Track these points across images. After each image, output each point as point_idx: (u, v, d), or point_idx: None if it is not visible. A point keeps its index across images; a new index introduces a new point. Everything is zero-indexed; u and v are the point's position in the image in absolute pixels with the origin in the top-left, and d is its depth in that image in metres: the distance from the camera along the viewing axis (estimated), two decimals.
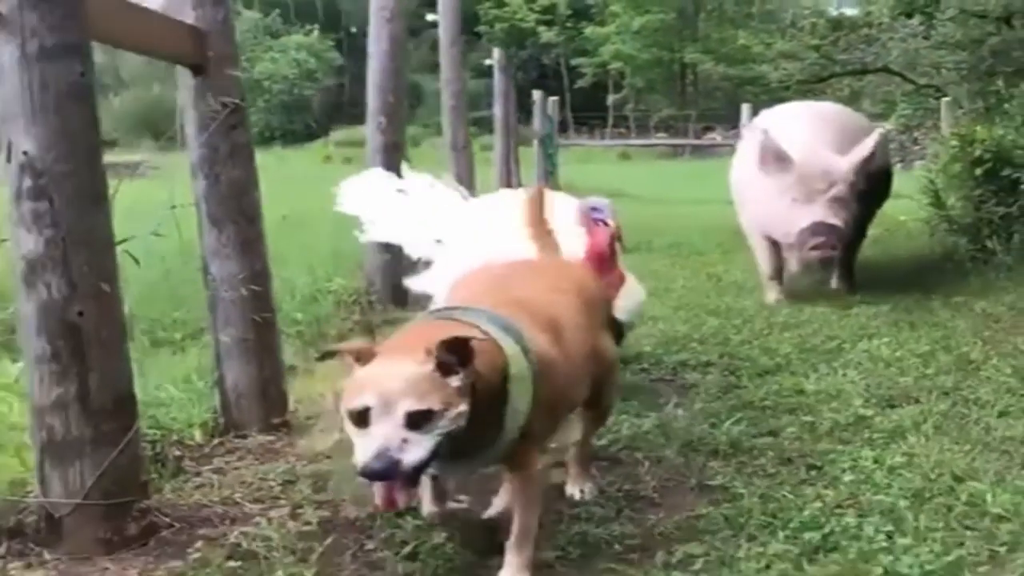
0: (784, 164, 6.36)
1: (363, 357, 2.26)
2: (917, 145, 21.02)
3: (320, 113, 44.60)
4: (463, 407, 2.23)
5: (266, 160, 23.95)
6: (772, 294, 6.85)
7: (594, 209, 4.19)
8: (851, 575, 2.57)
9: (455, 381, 2.23)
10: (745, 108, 19.24)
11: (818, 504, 3.01)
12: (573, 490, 3.11)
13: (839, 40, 32.51)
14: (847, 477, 3.26)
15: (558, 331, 2.64)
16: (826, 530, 2.81)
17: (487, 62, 10.48)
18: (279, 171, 20.37)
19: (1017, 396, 4.22)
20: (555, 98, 18.69)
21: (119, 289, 2.73)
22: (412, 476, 2.19)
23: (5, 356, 3.89)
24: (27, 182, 2.59)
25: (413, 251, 4.59)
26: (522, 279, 2.91)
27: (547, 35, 46.86)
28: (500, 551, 2.54)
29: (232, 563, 2.62)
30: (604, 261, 4.09)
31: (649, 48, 41.07)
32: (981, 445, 3.60)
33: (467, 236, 4.36)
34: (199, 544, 2.73)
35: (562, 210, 4.07)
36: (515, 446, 2.46)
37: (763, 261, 6.97)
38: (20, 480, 2.95)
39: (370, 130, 6.31)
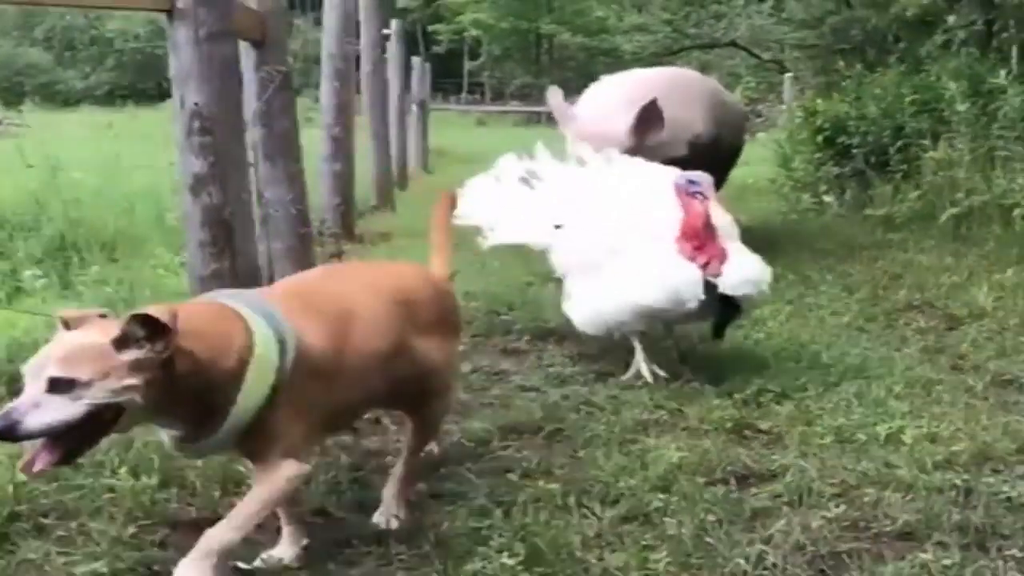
0: (569, 123, 6.51)
1: (71, 324, 2.27)
2: (760, 117, 22.98)
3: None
4: (132, 381, 2.18)
5: (121, 119, 24.35)
6: None
7: (691, 183, 4.28)
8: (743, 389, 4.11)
9: (129, 355, 2.19)
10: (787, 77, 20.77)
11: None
12: (379, 519, 2.91)
13: (690, 15, 34.50)
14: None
15: (347, 326, 2.60)
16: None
17: (384, 31, 11.69)
18: (132, 128, 21.18)
19: (843, 301, 5.87)
20: (427, 64, 20.01)
21: (251, 197, 4.07)
22: (39, 438, 2.17)
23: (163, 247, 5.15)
24: (195, 124, 3.89)
25: (536, 243, 4.90)
26: (337, 275, 3.04)
27: (403, 1, 47.98)
28: None
29: None
30: (699, 236, 4.22)
31: (506, 17, 42.53)
32: (819, 327, 5.20)
33: (593, 213, 4.66)
34: None
35: (660, 181, 4.49)
36: (254, 438, 2.41)
37: None
38: None
39: (325, 92, 7.66)
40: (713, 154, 6.97)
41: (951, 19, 9.32)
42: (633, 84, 7.06)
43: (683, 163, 6.12)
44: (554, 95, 6.75)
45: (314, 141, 7.48)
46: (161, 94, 42.34)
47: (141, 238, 6.25)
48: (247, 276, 4.00)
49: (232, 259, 3.95)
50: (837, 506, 3.07)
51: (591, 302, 4.47)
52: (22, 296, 4.70)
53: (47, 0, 3.85)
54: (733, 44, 33.02)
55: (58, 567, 2.61)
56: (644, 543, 2.81)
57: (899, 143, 8.81)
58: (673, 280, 4.23)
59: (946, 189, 7.86)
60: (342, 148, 7.94)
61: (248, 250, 4.04)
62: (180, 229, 4.37)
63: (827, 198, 9.26)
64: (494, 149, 18.00)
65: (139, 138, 16.72)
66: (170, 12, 3.85)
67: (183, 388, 2.26)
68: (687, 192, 4.25)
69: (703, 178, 4.29)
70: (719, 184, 6.98)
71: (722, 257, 4.24)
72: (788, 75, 21.74)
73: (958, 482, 3.25)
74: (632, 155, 6.03)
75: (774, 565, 2.71)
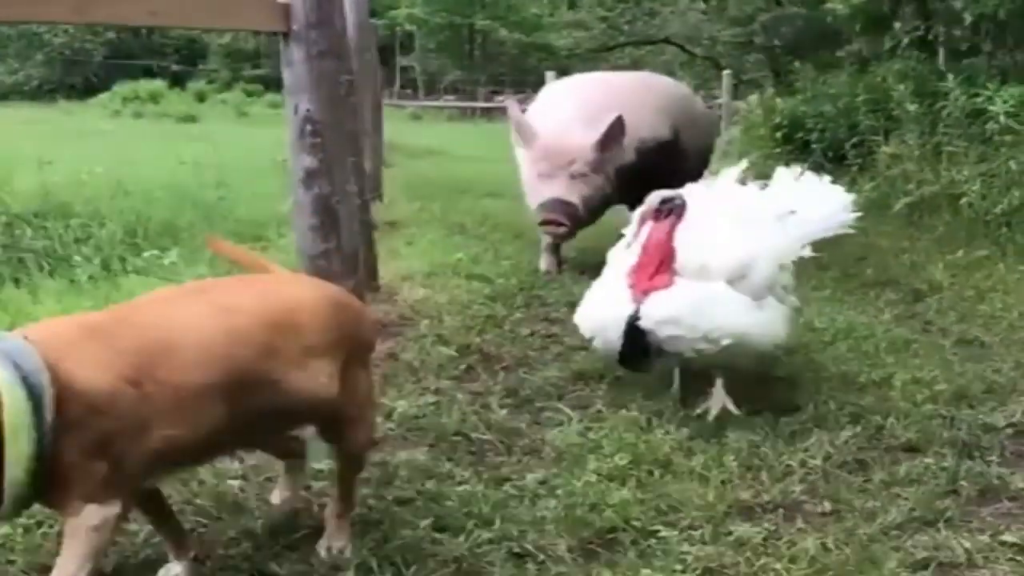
0: (530, 139, 6.64)
1: None
2: None
3: (100, 67, 44.84)
4: None
5: (51, 115, 24.52)
6: (543, 263, 7.05)
7: (665, 201, 4.14)
8: None
9: None
10: (550, 75, 21.51)
11: None
12: (321, 546, 2.85)
13: (624, 12, 35.55)
14: None
15: (154, 359, 2.37)
16: None
17: None
18: (71, 125, 21.60)
19: (819, 278, 6.84)
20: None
21: (355, 189, 4.91)
22: None
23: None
24: (307, 127, 4.72)
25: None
26: (182, 298, 2.68)
27: None
28: None
29: None
30: (647, 261, 4.06)
31: (440, 12, 43.26)
32: (805, 300, 6.15)
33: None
34: None
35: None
36: (49, 491, 2.27)
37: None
38: None
39: None
40: (671, 157, 7.09)
41: (897, 25, 10.35)
42: (585, 93, 7.17)
43: (634, 168, 6.71)
44: (514, 109, 6.84)
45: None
46: (89, 89, 42.65)
47: (187, 227, 7.00)
48: (349, 255, 4.84)
49: (338, 241, 4.79)
50: (852, 428, 4.00)
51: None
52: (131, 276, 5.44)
53: (165, 22, 4.50)
54: (667, 41, 34.25)
55: None
56: (714, 453, 3.72)
57: (854, 139, 9.83)
58: (599, 314, 4.18)
59: (899, 180, 8.86)
60: None
61: (350, 233, 4.88)
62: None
63: None
64: (440, 144, 18.71)
65: (94, 136, 17.35)
66: (286, 34, 4.68)
67: None
68: (657, 214, 4.11)
69: (673, 198, 4.14)
70: (694, 179, 6.96)
71: (655, 285, 4.00)
72: (726, 72, 22.80)
73: (943, 412, 4.23)
74: (594, 168, 6.51)
75: (815, 466, 3.64)
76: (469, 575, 2.80)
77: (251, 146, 13.81)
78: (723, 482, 3.47)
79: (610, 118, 6.54)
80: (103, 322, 2.45)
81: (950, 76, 8.63)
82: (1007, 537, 3.13)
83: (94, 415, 2.25)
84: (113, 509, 2.31)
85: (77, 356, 2.28)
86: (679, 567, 2.86)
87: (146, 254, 5.66)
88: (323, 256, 4.75)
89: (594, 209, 6.81)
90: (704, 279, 4.04)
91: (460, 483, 3.38)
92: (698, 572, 2.85)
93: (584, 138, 6.53)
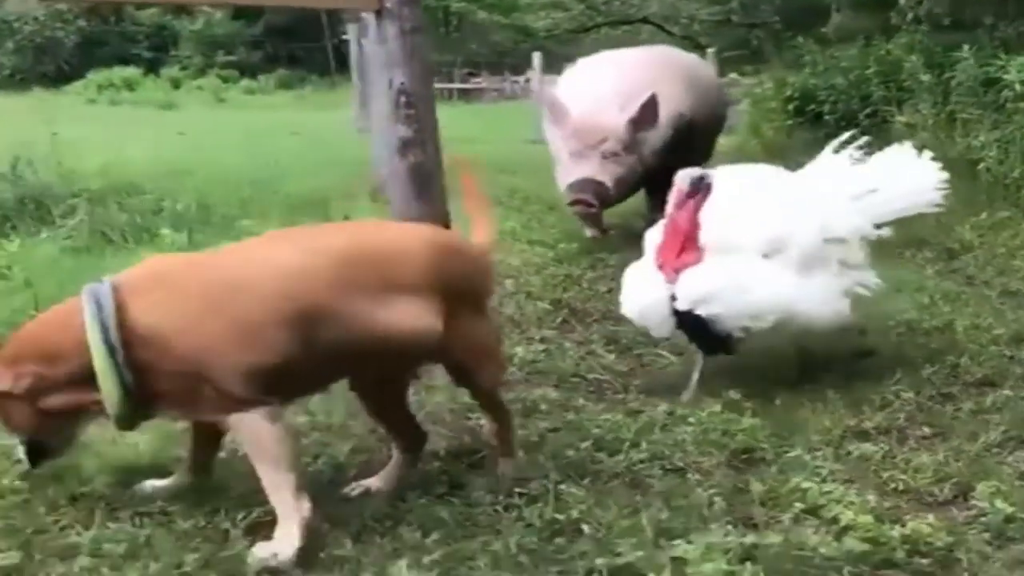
0: (562, 117, 6.65)
1: None
2: None
3: (72, 55, 44.76)
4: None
5: (28, 103, 24.72)
6: (589, 231, 7.19)
7: (695, 181, 3.99)
8: None
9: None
10: (536, 56, 21.77)
11: None
12: (499, 466, 3.20)
13: None
14: None
15: (232, 292, 2.70)
16: None
17: None
18: (70, 110, 21.75)
19: None
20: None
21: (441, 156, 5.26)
22: None
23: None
24: (402, 99, 5.05)
25: None
26: (273, 239, 3.11)
27: None
28: None
29: None
30: (675, 239, 4.00)
31: None
32: None
33: None
34: None
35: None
36: (169, 410, 2.83)
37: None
38: None
39: None
40: (696, 134, 7.17)
41: (902, 1, 10.74)
42: (617, 71, 7.14)
43: (668, 146, 6.70)
44: (546, 88, 7.09)
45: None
46: (61, 77, 42.62)
47: (252, 199, 7.30)
48: (443, 220, 5.18)
49: (432, 204, 5.13)
50: (930, 368, 4.39)
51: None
52: None
53: (267, 1, 4.79)
54: (645, 20, 34.58)
55: None
56: (816, 387, 4.10)
57: (867, 110, 10.22)
58: (640, 299, 4.11)
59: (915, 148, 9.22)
60: None
61: (441, 196, 5.22)
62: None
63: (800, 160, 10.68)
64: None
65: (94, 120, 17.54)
66: (379, 12, 5.00)
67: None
68: (687, 193, 3.96)
69: (700, 177, 4.00)
70: (707, 157, 7.56)
71: (684, 263, 3.94)
72: (710, 50, 23.17)
73: (1007, 352, 4.62)
74: (626, 147, 6.50)
75: (908, 399, 4.02)
76: (635, 486, 3.16)
77: (258, 129, 14.08)
78: (831, 411, 3.84)
79: (644, 96, 6.55)
80: (177, 267, 2.81)
81: (964, 47, 9.00)
82: None
83: (160, 355, 2.59)
84: (255, 417, 2.64)
85: (142, 302, 2.62)
86: (817, 478, 3.23)
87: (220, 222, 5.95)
88: (417, 219, 5.08)
89: (625, 189, 6.83)
90: (734, 254, 3.96)
91: (598, 414, 3.74)
92: (837, 482, 3.21)
93: (617, 117, 6.55)
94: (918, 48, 10.30)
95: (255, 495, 2.73)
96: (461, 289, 2.96)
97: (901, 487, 3.21)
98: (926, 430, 3.74)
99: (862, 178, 4.48)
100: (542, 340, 4.66)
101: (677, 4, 33.69)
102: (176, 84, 40.52)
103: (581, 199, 6.53)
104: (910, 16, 10.83)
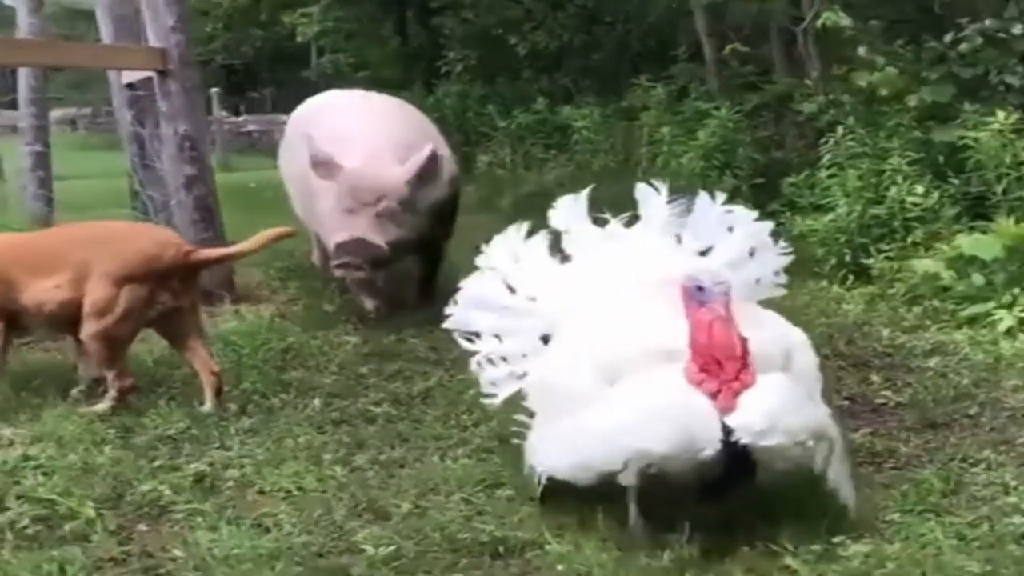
0: (333, 172, 5.95)
1: None
2: None
3: None
4: None
5: None
6: (367, 302, 6.35)
7: (700, 289, 3.11)
8: None
9: None
10: (213, 92, 21.41)
11: None
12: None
13: None
14: None
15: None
16: None
17: None
18: None
19: None
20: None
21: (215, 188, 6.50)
22: None
23: None
24: (186, 144, 6.22)
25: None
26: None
27: None
28: None
29: None
30: (710, 354, 3.08)
31: None
32: None
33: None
34: None
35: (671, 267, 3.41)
36: None
37: (318, 261, 6.81)
38: None
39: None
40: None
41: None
42: (382, 119, 6.58)
43: (448, 204, 6.25)
44: (314, 144, 5.96)
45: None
46: None
47: None
48: (222, 242, 6.42)
49: (214, 231, 6.36)
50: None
51: (573, 444, 3.30)
52: None
53: (57, 61, 5.40)
54: None
55: None
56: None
57: None
58: (681, 416, 3.08)
59: (503, 183, 11.49)
60: None
61: (219, 225, 6.49)
62: None
63: None
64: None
65: None
66: (163, 72, 6.20)
67: None
68: (696, 300, 3.12)
69: (719, 278, 3.14)
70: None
71: (741, 385, 3.08)
72: (215, 89, 24.14)
73: None
74: (404, 206, 5.86)
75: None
76: None
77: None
78: None
79: (423, 149, 6.00)
80: None
81: (539, 98, 11.50)
82: None
83: None
84: None
85: None
86: None
87: None
88: (204, 244, 6.30)
89: (402, 251, 6.16)
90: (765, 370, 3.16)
91: None
92: None
93: (398, 172, 5.95)
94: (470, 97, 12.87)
95: None
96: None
97: None
98: None
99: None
100: None
101: None
102: None
103: (347, 263, 5.91)
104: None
